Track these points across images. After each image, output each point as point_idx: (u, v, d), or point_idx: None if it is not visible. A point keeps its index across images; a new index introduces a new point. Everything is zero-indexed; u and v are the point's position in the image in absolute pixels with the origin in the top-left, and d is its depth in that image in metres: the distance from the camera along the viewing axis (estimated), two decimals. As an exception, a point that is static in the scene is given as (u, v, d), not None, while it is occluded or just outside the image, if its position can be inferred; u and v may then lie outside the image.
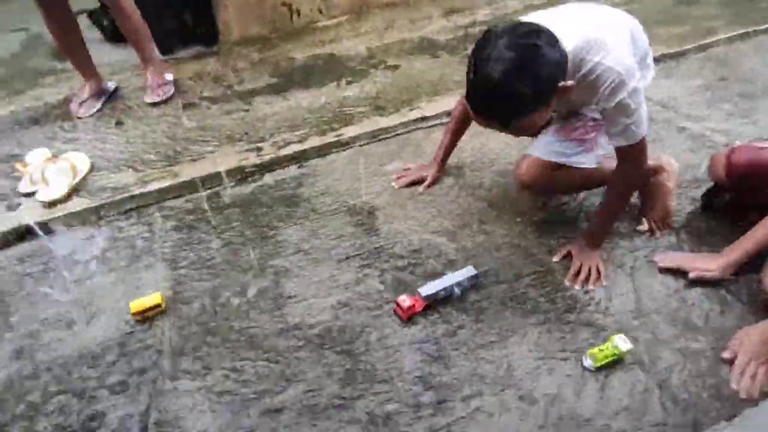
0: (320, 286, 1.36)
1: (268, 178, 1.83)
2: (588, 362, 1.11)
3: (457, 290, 1.27)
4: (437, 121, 2.03)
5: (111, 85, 2.30)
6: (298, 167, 1.88)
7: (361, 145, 1.96)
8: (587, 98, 1.17)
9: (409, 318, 1.24)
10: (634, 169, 1.24)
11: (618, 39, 1.14)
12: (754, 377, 1.04)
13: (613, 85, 1.09)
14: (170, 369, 1.17)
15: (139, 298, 1.30)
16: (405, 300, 1.24)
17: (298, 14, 2.95)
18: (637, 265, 1.36)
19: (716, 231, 1.43)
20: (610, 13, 1.25)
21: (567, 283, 1.31)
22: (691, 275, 1.26)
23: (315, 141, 1.94)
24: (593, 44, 1.08)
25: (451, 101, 1.90)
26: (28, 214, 1.62)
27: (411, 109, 2.09)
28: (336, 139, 1.95)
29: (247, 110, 2.18)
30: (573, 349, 1.16)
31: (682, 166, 1.53)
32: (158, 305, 1.29)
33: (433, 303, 1.26)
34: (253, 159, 1.86)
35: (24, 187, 1.72)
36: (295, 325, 1.26)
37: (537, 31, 1.01)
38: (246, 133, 2.01)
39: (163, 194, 1.73)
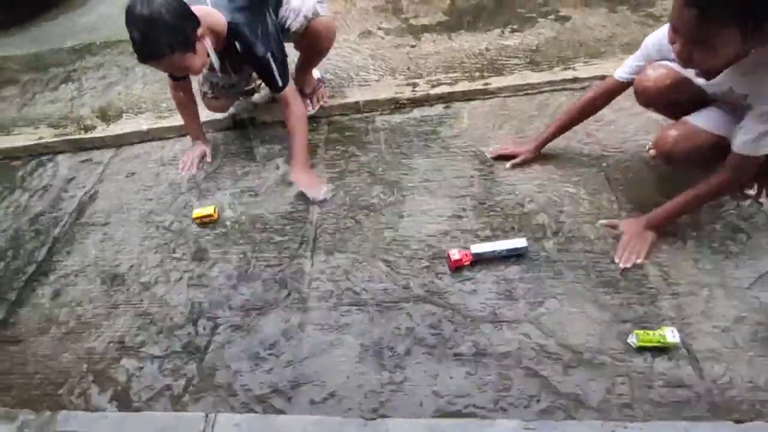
0: (430, 213, 1.68)
1: (416, 113, 2.14)
2: (632, 339, 1.26)
3: (504, 254, 1.45)
4: (587, 85, 2.03)
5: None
6: (445, 107, 2.13)
7: (504, 97, 2.10)
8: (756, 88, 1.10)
9: (455, 269, 1.46)
10: (737, 179, 1.24)
11: None
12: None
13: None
14: (312, 243, 1.67)
15: (200, 209, 1.82)
16: (455, 254, 1.45)
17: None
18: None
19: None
20: None
21: (616, 259, 1.41)
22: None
23: (464, 85, 2.15)
24: None
25: (610, 67, 1.86)
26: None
27: (565, 68, 2.11)
28: (483, 87, 2.12)
29: (414, 46, 2.45)
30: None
31: None
32: (211, 215, 1.79)
33: (480, 260, 1.46)
34: (407, 93, 2.17)
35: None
36: (404, 237, 1.63)
37: None
38: (408, 68, 2.31)
39: (331, 110, 2.19)
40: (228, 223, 1.80)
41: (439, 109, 2.13)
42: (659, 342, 1.23)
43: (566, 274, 1.42)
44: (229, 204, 1.87)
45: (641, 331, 1.25)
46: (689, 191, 1.33)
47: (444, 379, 1.25)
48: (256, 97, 2.28)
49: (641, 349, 1.24)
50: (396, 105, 2.17)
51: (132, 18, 1.44)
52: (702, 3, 0.97)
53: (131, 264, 1.74)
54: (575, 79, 2.06)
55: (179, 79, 1.92)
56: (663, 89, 1.30)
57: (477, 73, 2.20)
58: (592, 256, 1.45)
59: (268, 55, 1.66)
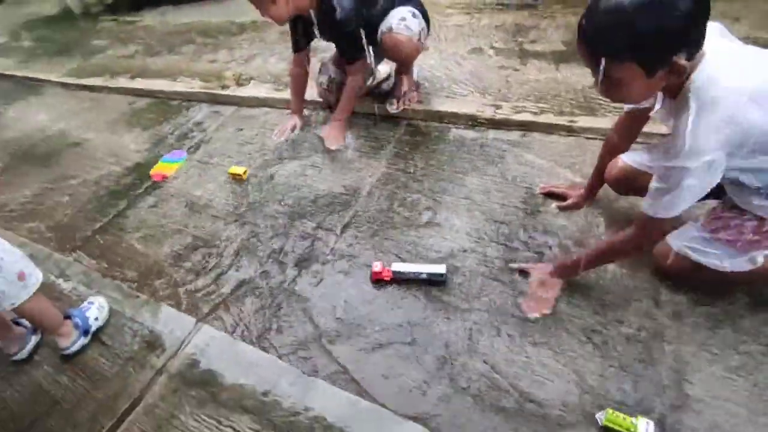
0: (460, 230, 1.70)
1: (491, 134, 2.14)
2: (601, 415, 1.15)
3: (423, 276, 1.48)
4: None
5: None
6: (521, 135, 2.09)
7: (587, 138, 1.98)
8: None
9: (375, 281, 1.52)
10: (644, 240, 1.17)
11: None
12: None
13: (677, 149, 0.96)
14: (343, 226, 1.83)
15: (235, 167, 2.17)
16: (377, 266, 1.51)
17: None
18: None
19: None
20: None
21: (523, 306, 1.39)
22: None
23: (548, 118, 2.07)
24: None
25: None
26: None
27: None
28: (568, 123, 2.02)
29: (517, 70, 2.43)
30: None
31: None
32: (241, 175, 2.14)
33: (400, 279, 1.50)
34: (488, 113, 2.18)
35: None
36: (422, 245, 1.68)
37: None
38: (499, 90, 2.30)
39: (415, 114, 2.30)
40: (280, 186, 2.07)
41: (514, 135, 2.10)
42: (627, 430, 1.11)
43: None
44: (290, 171, 2.14)
45: (613, 412, 1.14)
46: (600, 245, 1.33)
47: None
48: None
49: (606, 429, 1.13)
50: (474, 122, 2.20)
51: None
52: (587, 39, 0.95)
53: (208, 198, 2.11)
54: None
55: (300, 51, 2.22)
56: (620, 181, 1.46)
57: (567, 109, 2.10)
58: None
59: (347, 23, 1.90)
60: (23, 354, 1.51)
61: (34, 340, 1.54)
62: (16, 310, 1.36)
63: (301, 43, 2.18)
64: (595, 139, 1.96)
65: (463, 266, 1.55)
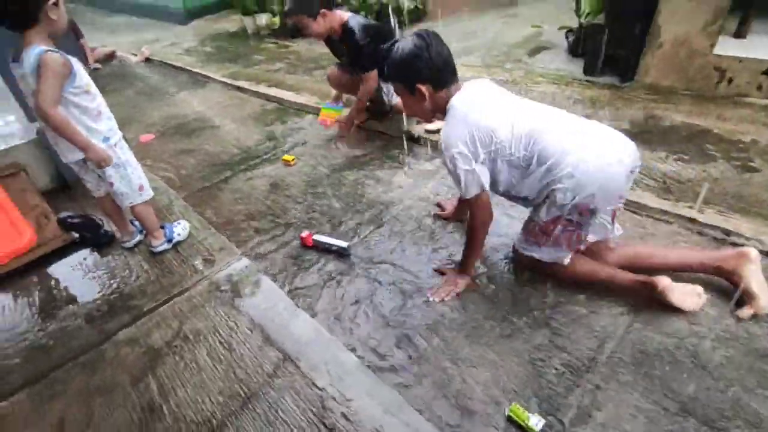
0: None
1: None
2: (507, 408, 1.35)
3: (333, 249, 1.98)
4: (700, 231, 1.89)
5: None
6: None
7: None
8: None
9: (303, 245, 2.06)
10: (479, 218, 1.59)
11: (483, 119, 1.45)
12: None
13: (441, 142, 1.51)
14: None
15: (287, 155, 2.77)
16: (305, 233, 2.05)
17: (729, 82, 2.81)
18: None
19: None
20: (547, 114, 1.51)
21: (428, 294, 1.74)
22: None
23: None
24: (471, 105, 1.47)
25: (744, 228, 1.85)
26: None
27: (691, 207, 1.99)
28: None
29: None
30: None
31: None
32: (290, 161, 2.83)
33: (317, 247, 2.03)
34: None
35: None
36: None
37: (436, 35, 1.46)
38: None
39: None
40: (325, 180, 2.57)
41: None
42: (524, 422, 1.31)
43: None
44: (356, 176, 2.63)
45: (517, 407, 1.33)
46: (467, 235, 1.68)
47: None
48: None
49: (509, 419, 1.32)
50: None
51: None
52: (387, 75, 1.55)
53: (287, 183, 2.69)
54: (692, 220, 1.94)
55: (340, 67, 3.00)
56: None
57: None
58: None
59: (363, 43, 2.58)
60: (130, 244, 2.18)
61: (138, 237, 2.20)
62: (132, 210, 2.00)
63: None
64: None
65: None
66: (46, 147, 2.59)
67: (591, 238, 1.53)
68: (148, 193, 2.00)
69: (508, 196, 1.62)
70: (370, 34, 2.61)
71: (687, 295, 1.50)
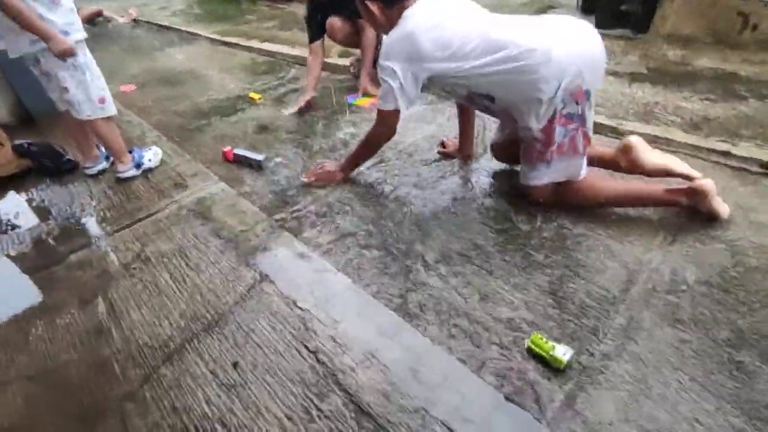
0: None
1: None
2: (527, 340, 1.13)
3: (251, 162, 1.94)
4: (735, 165, 1.68)
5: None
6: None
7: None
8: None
9: (225, 160, 2.02)
10: (382, 128, 1.55)
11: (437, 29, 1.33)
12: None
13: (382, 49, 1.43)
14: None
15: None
16: (227, 147, 2.02)
17: (754, 28, 2.61)
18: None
19: None
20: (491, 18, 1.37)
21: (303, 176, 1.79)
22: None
23: (599, 119, 2.06)
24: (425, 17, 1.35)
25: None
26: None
27: (724, 141, 1.79)
28: (615, 125, 1.99)
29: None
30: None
31: None
32: (255, 98, 2.63)
33: (238, 161, 1.99)
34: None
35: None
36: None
37: None
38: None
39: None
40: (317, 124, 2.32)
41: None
42: (547, 353, 1.08)
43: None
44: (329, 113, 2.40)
45: (540, 337, 1.10)
46: (361, 140, 1.67)
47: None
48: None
49: (529, 351, 1.10)
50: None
51: None
52: None
53: (275, 125, 2.44)
54: (727, 153, 1.73)
55: (315, 41, 2.63)
56: (497, 154, 1.77)
57: (623, 114, 2.07)
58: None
59: None
60: (93, 171, 1.92)
61: (104, 164, 1.95)
62: (93, 127, 1.75)
63: (316, 35, 2.62)
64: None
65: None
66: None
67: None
68: (111, 109, 1.74)
69: (483, 107, 1.50)
70: None
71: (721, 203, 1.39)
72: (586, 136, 1.38)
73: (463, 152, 1.88)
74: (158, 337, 1.15)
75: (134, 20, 5.80)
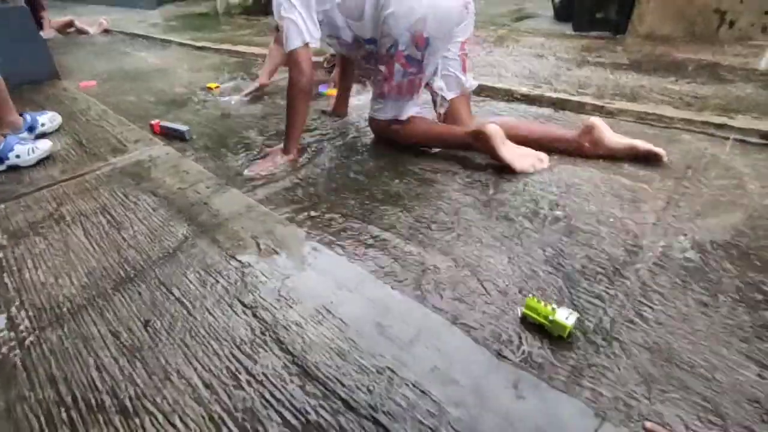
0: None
1: (523, 107, 2.04)
2: (520, 309, 0.92)
3: (178, 134, 1.82)
4: (729, 138, 1.56)
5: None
6: (554, 111, 1.97)
7: (621, 120, 1.81)
8: None
9: (153, 132, 1.88)
10: (295, 73, 1.44)
11: None
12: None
13: None
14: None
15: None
16: (154, 121, 1.91)
17: (730, 25, 2.59)
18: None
19: None
20: None
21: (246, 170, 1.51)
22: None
23: (585, 99, 1.95)
24: None
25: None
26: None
27: (720, 114, 1.67)
28: (603, 104, 1.87)
29: (570, 70, 2.35)
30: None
31: None
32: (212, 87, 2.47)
33: (165, 133, 1.86)
34: (525, 90, 2.10)
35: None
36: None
37: None
38: (546, 78, 2.23)
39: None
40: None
41: (547, 111, 1.99)
42: (548, 317, 0.86)
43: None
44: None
45: (535, 300, 0.90)
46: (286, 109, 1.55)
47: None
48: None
49: (524, 321, 0.88)
50: (510, 97, 2.13)
51: None
52: None
53: (236, 113, 2.25)
54: (723, 126, 1.61)
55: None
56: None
57: (609, 96, 1.96)
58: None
59: None
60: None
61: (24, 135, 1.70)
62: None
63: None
64: (630, 121, 1.78)
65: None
66: None
67: (448, 94, 1.54)
68: None
69: (363, 53, 1.55)
70: None
71: (523, 156, 1.40)
72: (420, 83, 1.49)
73: (338, 110, 2.02)
74: (53, 298, 0.90)
75: (105, 30, 5.64)
